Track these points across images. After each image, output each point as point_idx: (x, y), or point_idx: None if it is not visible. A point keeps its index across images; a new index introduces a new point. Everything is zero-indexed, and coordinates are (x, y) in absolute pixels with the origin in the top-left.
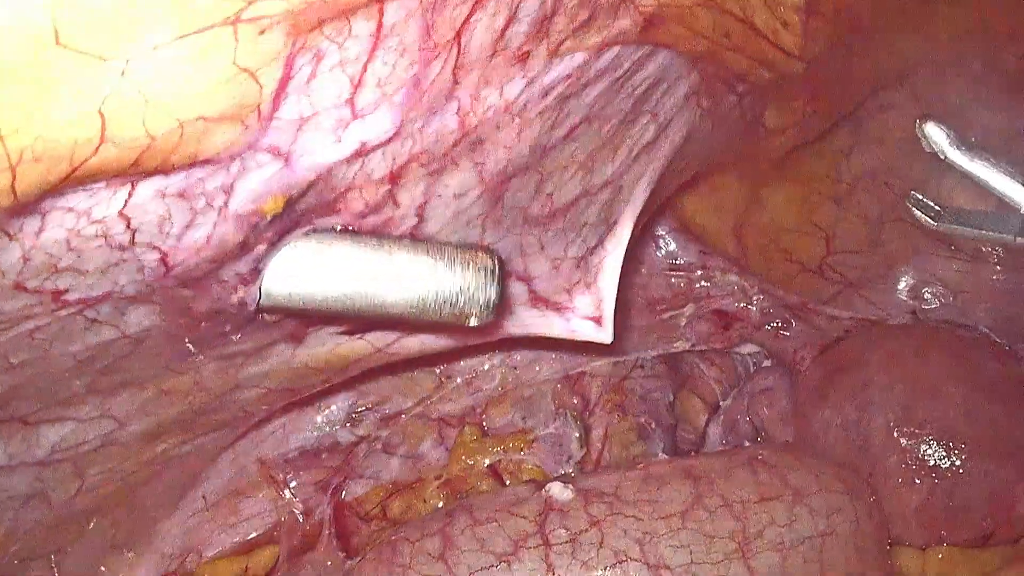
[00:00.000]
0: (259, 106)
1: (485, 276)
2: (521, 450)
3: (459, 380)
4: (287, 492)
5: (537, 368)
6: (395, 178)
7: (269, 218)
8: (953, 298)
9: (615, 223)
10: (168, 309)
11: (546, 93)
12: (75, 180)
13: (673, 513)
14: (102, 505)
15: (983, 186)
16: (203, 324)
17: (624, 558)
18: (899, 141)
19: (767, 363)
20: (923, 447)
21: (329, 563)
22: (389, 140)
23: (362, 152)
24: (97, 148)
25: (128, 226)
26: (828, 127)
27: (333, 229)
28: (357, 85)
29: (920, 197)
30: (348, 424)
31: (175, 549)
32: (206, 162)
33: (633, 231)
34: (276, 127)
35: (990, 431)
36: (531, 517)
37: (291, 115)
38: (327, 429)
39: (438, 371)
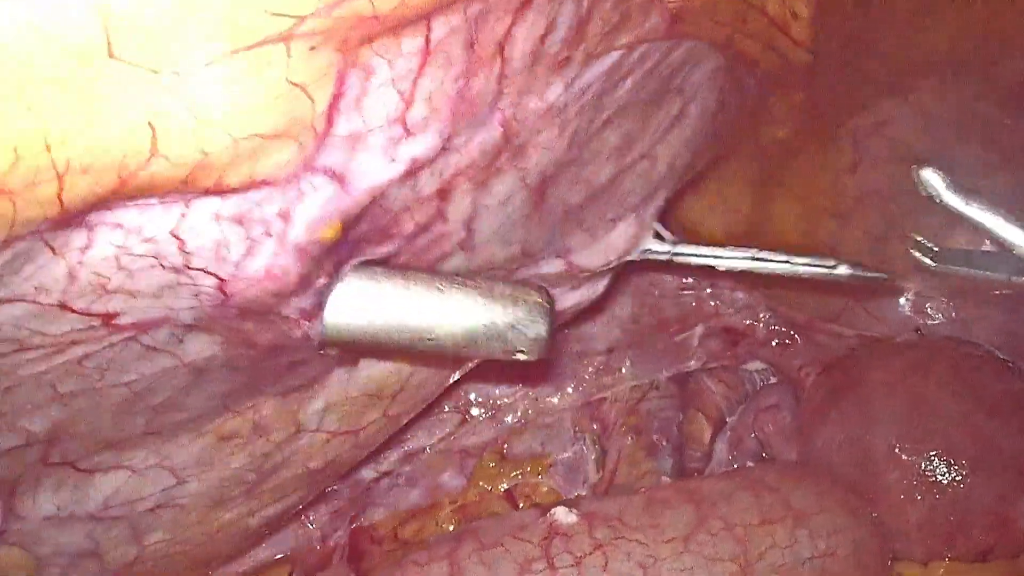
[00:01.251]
0: (312, 123)
1: (536, 312)
2: (539, 474)
3: (481, 416)
4: (309, 524)
5: (557, 397)
6: (444, 193)
7: (327, 246)
8: (956, 314)
9: (653, 192)
10: (230, 340)
11: (584, 92)
12: (125, 194)
13: (676, 537)
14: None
15: (980, 229)
16: (266, 357)
17: None
18: (901, 158)
19: (774, 380)
20: (925, 463)
21: None
22: (437, 156)
23: (413, 170)
24: (148, 161)
25: (182, 248)
26: (828, 133)
27: (386, 263)
28: (408, 101)
29: (919, 239)
30: (371, 462)
31: None
32: (263, 183)
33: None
34: (330, 146)
35: (991, 447)
36: (536, 541)
37: (344, 133)
38: None
39: (460, 404)
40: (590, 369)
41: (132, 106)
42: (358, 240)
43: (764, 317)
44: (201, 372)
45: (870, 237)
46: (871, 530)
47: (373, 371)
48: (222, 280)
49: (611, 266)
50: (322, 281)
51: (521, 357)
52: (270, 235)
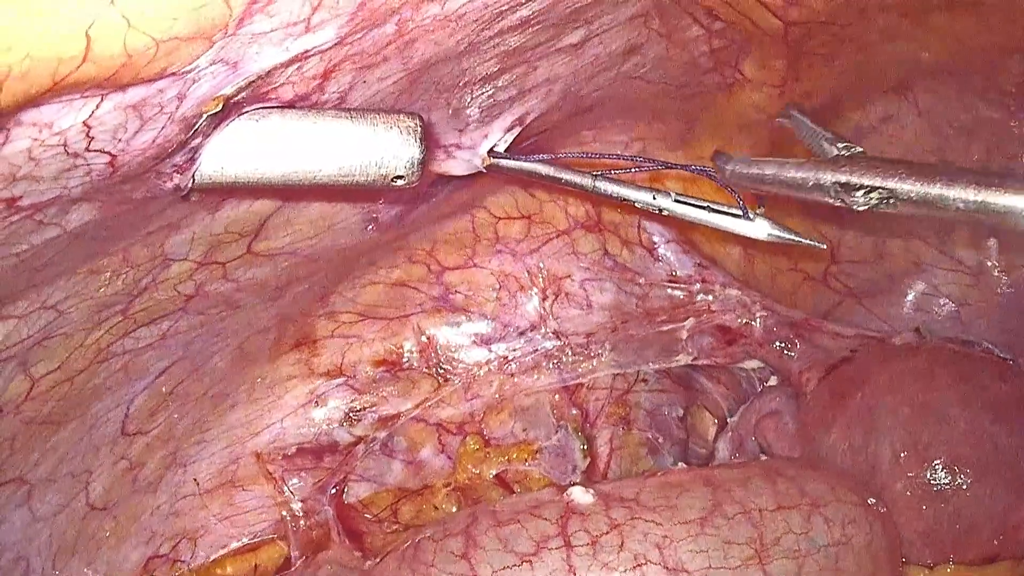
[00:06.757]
0: (226, 26)
1: (408, 136)
2: (525, 460)
3: (457, 383)
4: (286, 490)
5: (535, 376)
6: (327, 74)
7: (208, 114)
8: (957, 311)
9: (519, 97)
10: (108, 203)
11: (487, 5)
12: (53, 93)
13: (692, 519)
14: (55, 415)
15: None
16: (137, 209)
17: (643, 561)
18: (902, 156)
19: (773, 380)
20: (929, 471)
21: (345, 562)
22: (329, 49)
23: (302, 58)
24: (79, 66)
25: (87, 135)
26: (831, 126)
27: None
28: (315, 6)
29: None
30: (346, 423)
31: (165, 529)
32: (170, 75)
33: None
34: (234, 41)
35: (995, 452)
36: (553, 519)
37: (251, 31)
38: (325, 427)
39: (436, 373)
40: (568, 351)
41: (73, 18)
42: (237, 104)
43: (760, 317)
44: (78, 235)
45: (871, 232)
46: (884, 524)
47: (233, 211)
48: (113, 156)
49: (461, 150)
50: (198, 141)
51: (399, 183)
52: (164, 113)
